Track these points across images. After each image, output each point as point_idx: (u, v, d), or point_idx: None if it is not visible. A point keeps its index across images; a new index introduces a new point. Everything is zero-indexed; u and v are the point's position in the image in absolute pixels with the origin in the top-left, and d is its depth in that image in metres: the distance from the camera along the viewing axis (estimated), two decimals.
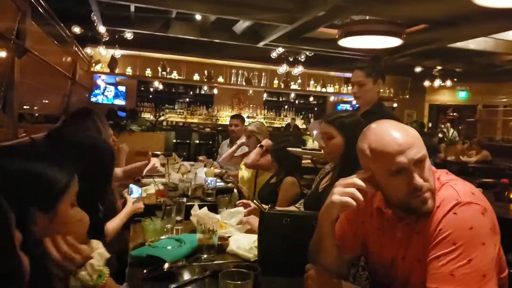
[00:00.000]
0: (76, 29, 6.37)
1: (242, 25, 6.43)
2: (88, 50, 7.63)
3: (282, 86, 9.83)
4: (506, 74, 8.96)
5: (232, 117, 4.48)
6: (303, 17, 5.05)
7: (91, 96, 9.11)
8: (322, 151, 1.92)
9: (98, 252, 1.08)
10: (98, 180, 1.21)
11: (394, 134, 1.08)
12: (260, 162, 3.09)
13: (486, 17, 4.58)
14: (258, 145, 3.19)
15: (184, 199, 2.10)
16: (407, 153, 1.05)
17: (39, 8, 3.09)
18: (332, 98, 10.75)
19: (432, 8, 4.77)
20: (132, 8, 5.78)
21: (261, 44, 6.91)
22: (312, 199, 1.95)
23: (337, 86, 10.29)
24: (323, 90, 10.15)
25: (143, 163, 2.66)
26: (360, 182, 1.11)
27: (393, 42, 5.33)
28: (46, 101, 4.43)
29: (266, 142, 3.18)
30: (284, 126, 10.44)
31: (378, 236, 1.23)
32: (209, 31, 6.68)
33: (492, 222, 1.04)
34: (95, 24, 6.31)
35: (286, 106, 11.00)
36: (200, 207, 2.50)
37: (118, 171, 2.50)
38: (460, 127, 9.28)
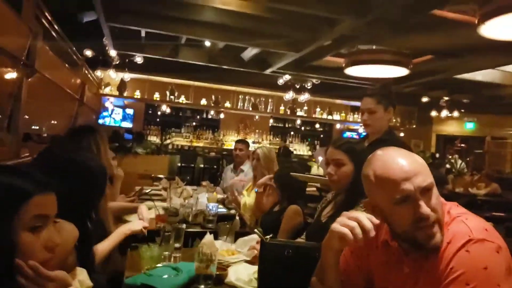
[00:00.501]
0: (88, 52, 6.51)
1: (250, 52, 6.52)
2: (98, 72, 7.76)
3: (288, 113, 9.88)
4: None
5: (237, 141, 4.51)
6: (310, 45, 5.11)
7: (99, 118, 9.19)
8: (328, 178, 1.84)
9: (79, 279, 1.02)
10: (85, 198, 1.17)
11: (400, 161, 1.05)
12: (265, 205, 2.99)
13: (493, 49, 4.60)
14: (256, 189, 3.10)
15: (184, 225, 2.05)
16: (413, 180, 1.01)
17: (51, 31, 3.15)
18: (338, 126, 10.75)
19: (438, 39, 4.81)
20: (143, 33, 5.90)
21: (268, 71, 6.98)
22: (315, 230, 1.88)
23: (343, 114, 10.31)
24: (329, 117, 10.17)
25: (133, 206, 2.54)
26: (365, 220, 1.04)
27: (399, 72, 5.37)
28: (54, 122, 4.46)
29: (261, 181, 3.05)
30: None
31: (384, 272, 1.16)
32: (217, 58, 6.78)
33: (507, 261, 0.98)
34: (107, 48, 6.45)
35: (292, 132, 11.01)
36: (202, 233, 2.45)
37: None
38: (468, 159, 9.16)
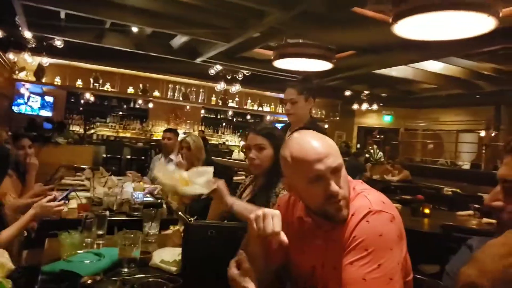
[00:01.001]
0: None
1: (179, 40, 6.40)
2: (11, 55, 7.09)
3: (220, 103, 9.89)
4: (423, 101, 9.86)
5: (165, 130, 4.47)
6: (240, 36, 5.17)
7: (13, 105, 8.43)
8: (249, 163, 1.92)
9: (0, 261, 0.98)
10: None
11: (313, 143, 1.15)
12: None
13: (405, 47, 5.03)
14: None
15: (107, 213, 2.00)
16: (325, 161, 1.11)
17: None
18: (268, 117, 11.02)
19: (359, 36, 5.14)
20: (63, 15, 5.50)
21: (198, 60, 6.92)
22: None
23: (273, 106, 10.59)
24: (260, 109, 10.38)
25: (32, 200, 2.24)
26: (279, 235, 1.12)
27: (324, 65, 5.63)
28: None
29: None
30: (221, 143, 10.44)
31: (299, 245, 1.26)
32: (145, 44, 6.55)
33: (399, 229, 1.13)
34: (20, 28, 5.90)
35: (224, 124, 11.05)
36: (127, 222, 2.41)
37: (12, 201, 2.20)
38: (384, 149, 9.95)
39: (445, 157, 10.23)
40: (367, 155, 8.60)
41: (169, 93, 9.35)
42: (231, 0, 4.07)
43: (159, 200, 3.24)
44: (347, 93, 9.31)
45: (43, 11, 5.08)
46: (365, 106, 9.81)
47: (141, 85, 8.96)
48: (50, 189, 2.54)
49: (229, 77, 8.29)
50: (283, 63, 5.67)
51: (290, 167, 1.17)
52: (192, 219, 1.51)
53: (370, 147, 9.45)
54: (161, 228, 2.23)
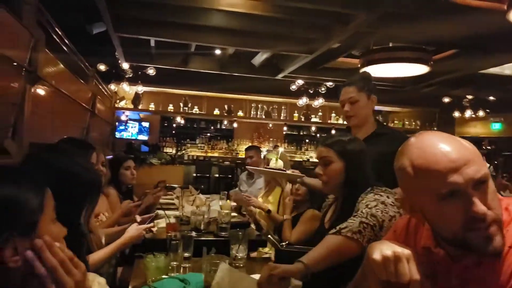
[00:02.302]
0: (102, 67, 6.51)
1: (260, 57, 6.38)
2: (112, 86, 7.77)
3: (302, 119, 9.65)
4: None
5: (247, 149, 4.40)
6: (324, 45, 4.93)
7: (116, 132, 9.23)
8: (319, 180, 1.65)
9: (99, 281, 1.00)
10: (71, 203, 1.04)
11: (443, 147, 0.84)
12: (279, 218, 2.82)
13: None
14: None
15: (193, 234, 1.89)
16: (464, 171, 0.81)
17: (55, 38, 3.07)
18: None
19: (461, 31, 4.52)
20: (153, 43, 5.85)
21: (280, 76, 6.82)
22: (320, 236, 1.66)
23: None
24: (345, 122, 9.88)
25: (124, 227, 2.18)
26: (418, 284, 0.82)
27: (419, 69, 5.10)
28: (65, 133, 4.40)
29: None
30: (305, 160, 10.16)
31: (429, 284, 0.95)
32: (228, 65, 6.67)
33: None
34: (119, 61, 6.44)
35: (307, 140, 10.80)
36: (213, 242, 2.29)
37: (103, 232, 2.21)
38: (496, 161, 8.70)
39: None
40: None
41: (252, 112, 9.41)
42: (313, 7, 3.88)
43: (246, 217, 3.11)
44: (446, 99, 8.40)
45: (136, 42, 5.45)
46: (468, 113, 8.74)
47: (226, 106, 9.18)
48: (136, 206, 2.55)
49: (311, 91, 8.04)
50: (371, 71, 5.26)
51: (412, 181, 0.87)
52: (284, 244, 1.30)
53: None
54: (249, 250, 2.06)
